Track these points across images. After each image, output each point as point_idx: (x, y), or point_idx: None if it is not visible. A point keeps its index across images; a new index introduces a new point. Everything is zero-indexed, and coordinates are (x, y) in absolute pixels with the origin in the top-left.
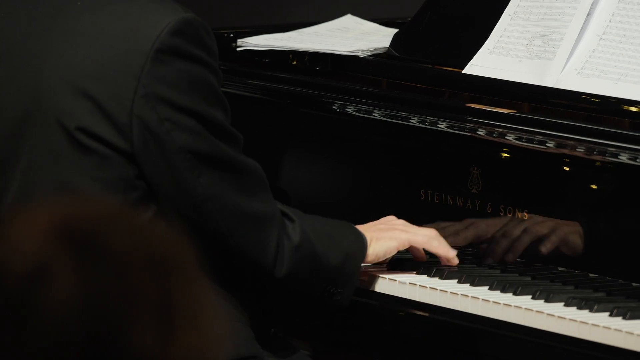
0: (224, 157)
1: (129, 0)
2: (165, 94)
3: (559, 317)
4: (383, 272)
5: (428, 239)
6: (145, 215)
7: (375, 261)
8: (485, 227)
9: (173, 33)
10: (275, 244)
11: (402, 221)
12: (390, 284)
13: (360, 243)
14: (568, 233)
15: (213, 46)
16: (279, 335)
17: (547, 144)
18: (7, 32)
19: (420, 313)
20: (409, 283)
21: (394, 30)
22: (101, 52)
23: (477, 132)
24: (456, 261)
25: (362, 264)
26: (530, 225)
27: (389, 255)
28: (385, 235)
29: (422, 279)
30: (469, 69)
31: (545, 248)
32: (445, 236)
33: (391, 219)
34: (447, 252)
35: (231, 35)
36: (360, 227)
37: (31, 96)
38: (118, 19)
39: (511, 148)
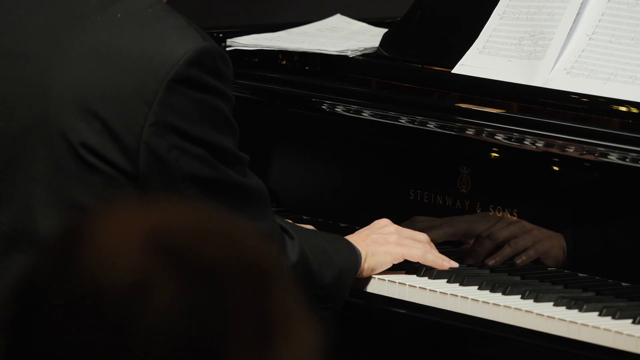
0: (228, 182)
1: (148, 23)
2: (175, 123)
3: (548, 316)
4: None
5: (423, 253)
6: None
7: (370, 275)
8: (476, 227)
9: (190, 64)
10: None
11: (394, 228)
12: (379, 284)
13: (355, 260)
14: (557, 233)
15: (228, 73)
16: None
17: (536, 144)
18: (24, 31)
19: (410, 313)
20: (399, 282)
21: (384, 30)
22: (115, 74)
23: (467, 132)
24: (455, 264)
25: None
26: (520, 227)
27: (384, 269)
28: (381, 250)
29: (412, 279)
30: (458, 69)
31: (535, 250)
32: (436, 233)
33: (384, 225)
34: (441, 265)
35: (220, 35)
36: (354, 238)
37: (39, 107)
38: (136, 41)
39: (500, 148)
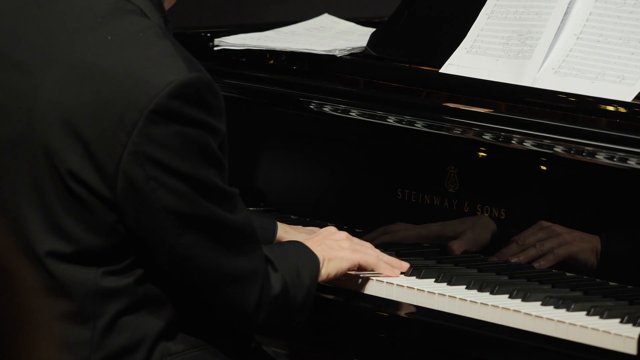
0: (210, 218)
1: (137, 49)
2: (154, 154)
3: (536, 316)
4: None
5: (377, 260)
6: (124, 262)
7: (325, 281)
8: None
9: (172, 96)
10: (258, 296)
11: (345, 235)
12: (367, 283)
13: (316, 271)
14: (545, 232)
15: (216, 104)
16: (259, 349)
17: (524, 143)
18: (20, 41)
19: (397, 312)
20: (386, 282)
21: (371, 30)
22: (98, 98)
23: (454, 132)
24: (406, 266)
25: None
26: (549, 232)
27: (339, 275)
28: (337, 256)
29: (400, 278)
30: (446, 69)
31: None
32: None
33: (333, 232)
34: (393, 272)
35: (208, 34)
36: (308, 243)
37: (26, 122)
38: (122, 67)
39: (488, 147)
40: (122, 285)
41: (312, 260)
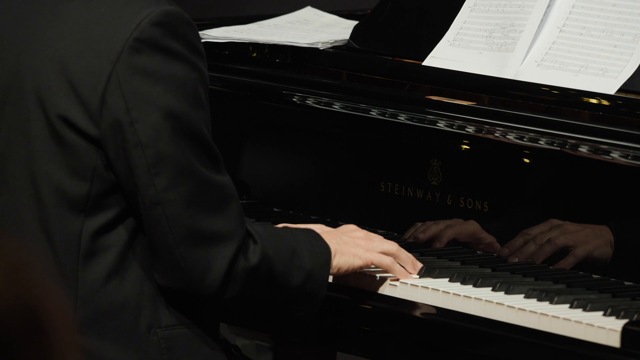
0: (186, 165)
1: None
2: (136, 83)
3: (519, 309)
4: None
5: (391, 263)
6: (110, 213)
7: (336, 274)
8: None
9: (153, 24)
10: (228, 263)
11: (363, 233)
12: (349, 275)
13: (325, 258)
14: (527, 225)
15: (196, 43)
16: (240, 354)
17: (506, 136)
18: (3, 13)
19: (380, 305)
20: (368, 274)
21: (354, 23)
22: (83, 38)
23: (437, 124)
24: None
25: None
26: (563, 230)
27: (350, 272)
28: (351, 252)
29: (381, 270)
30: (429, 61)
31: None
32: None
33: (352, 229)
34: (407, 276)
35: None
36: (324, 234)
37: (13, 72)
38: (103, 7)
39: (471, 140)
40: (107, 244)
41: (320, 247)
